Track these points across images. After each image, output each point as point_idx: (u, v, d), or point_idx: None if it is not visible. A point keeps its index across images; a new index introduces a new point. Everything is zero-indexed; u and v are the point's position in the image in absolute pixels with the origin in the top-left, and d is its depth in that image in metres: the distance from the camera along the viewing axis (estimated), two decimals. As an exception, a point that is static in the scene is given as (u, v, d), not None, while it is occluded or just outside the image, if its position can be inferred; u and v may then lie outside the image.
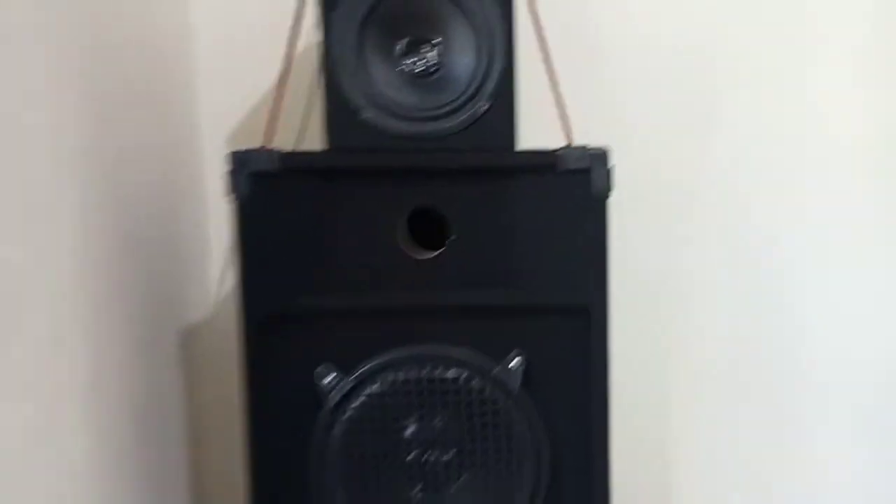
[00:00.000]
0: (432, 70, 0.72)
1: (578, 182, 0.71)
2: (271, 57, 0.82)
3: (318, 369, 0.75)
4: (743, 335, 1.19)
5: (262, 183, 0.71)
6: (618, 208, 0.75)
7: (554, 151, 0.73)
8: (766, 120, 1.14)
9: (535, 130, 0.77)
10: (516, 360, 0.75)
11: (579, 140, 0.76)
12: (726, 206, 1.15)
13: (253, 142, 0.78)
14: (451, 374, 0.75)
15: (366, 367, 0.75)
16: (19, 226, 0.57)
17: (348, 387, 0.75)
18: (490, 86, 0.72)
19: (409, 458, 0.78)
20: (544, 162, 0.72)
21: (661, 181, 1.11)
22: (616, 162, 0.73)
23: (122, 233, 0.78)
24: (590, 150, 0.72)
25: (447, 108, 0.72)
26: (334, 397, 0.75)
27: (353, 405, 0.75)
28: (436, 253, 0.75)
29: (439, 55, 0.72)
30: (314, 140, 0.84)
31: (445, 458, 0.78)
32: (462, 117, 0.72)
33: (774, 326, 1.19)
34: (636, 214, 1.06)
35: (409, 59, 0.72)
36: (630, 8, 1.11)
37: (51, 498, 0.61)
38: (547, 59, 0.79)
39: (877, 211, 1.19)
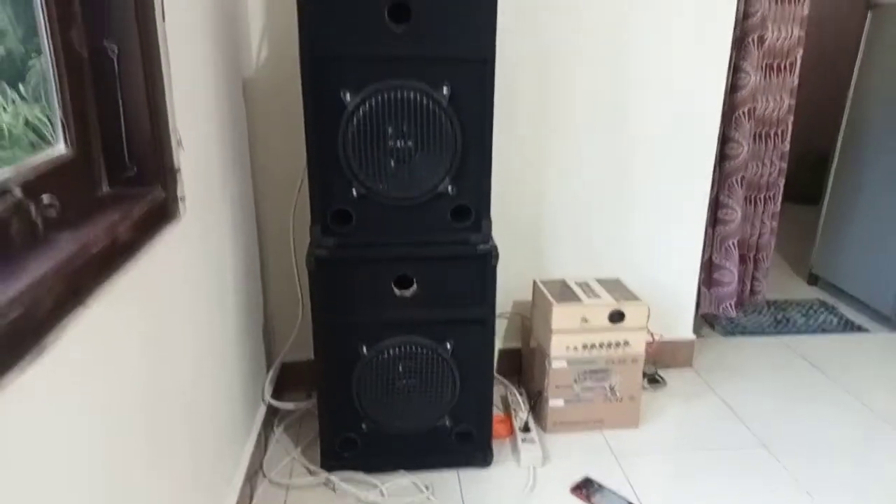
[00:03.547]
0: None
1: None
2: None
3: (342, 90, 1.41)
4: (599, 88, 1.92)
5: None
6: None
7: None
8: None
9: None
10: (446, 88, 1.43)
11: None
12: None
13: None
14: (412, 93, 1.42)
15: (366, 90, 1.41)
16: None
17: (357, 101, 1.42)
18: None
19: (389, 143, 1.48)
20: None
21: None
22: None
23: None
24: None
25: None
26: (351, 105, 1.42)
27: (360, 111, 1.43)
28: (404, 26, 1.38)
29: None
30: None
31: (409, 144, 1.48)
32: None
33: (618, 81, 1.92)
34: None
35: None
36: None
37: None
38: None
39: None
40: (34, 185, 0.85)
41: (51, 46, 0.93)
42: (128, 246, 0.97)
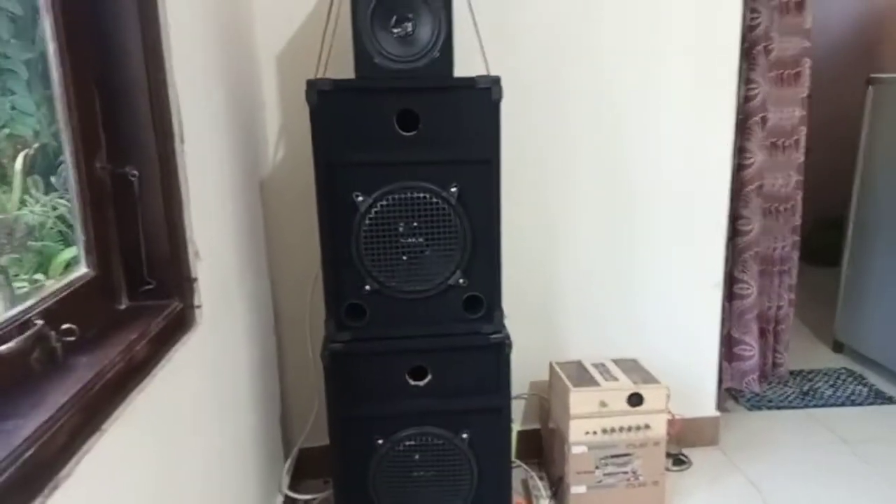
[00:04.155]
0: (409, 34, 1.38)
1: (485, 94, 1.41)
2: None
3: (354, 193, 1.46)
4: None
5: (323, 95, 1.38)
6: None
7: (472, 78, 1.41)
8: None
9: (465, 68, 1.45)
10: (454, 188, 1.48)
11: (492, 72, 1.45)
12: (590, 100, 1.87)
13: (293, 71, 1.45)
14: (422, 194, 1.47)
15: (378, 192, 1.46)
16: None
17: (369, 202, 1.47)
18: (440, 44, 1.38)
19: (401, 240, 1.51)
20: (467, 83, 1.41)
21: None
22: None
23: (233, 118, 1.47)
24: (490, 77, 1.41)
25: (417, 55, 1.39)
26: (363, 207, 1.47)
27: (373, 211, 1.47)
28: (413, 133, 1.45)
29: (413, 26, 1.38)
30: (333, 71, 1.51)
31: (420, 240, 1.52)
32: (425, 60, 1.39)
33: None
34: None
35: (397, 28, 1.38)
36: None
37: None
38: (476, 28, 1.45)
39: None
40: (55, 312, 0.89)
41: (76, 177, 1.00)
42: (145, 362, 1.00)
